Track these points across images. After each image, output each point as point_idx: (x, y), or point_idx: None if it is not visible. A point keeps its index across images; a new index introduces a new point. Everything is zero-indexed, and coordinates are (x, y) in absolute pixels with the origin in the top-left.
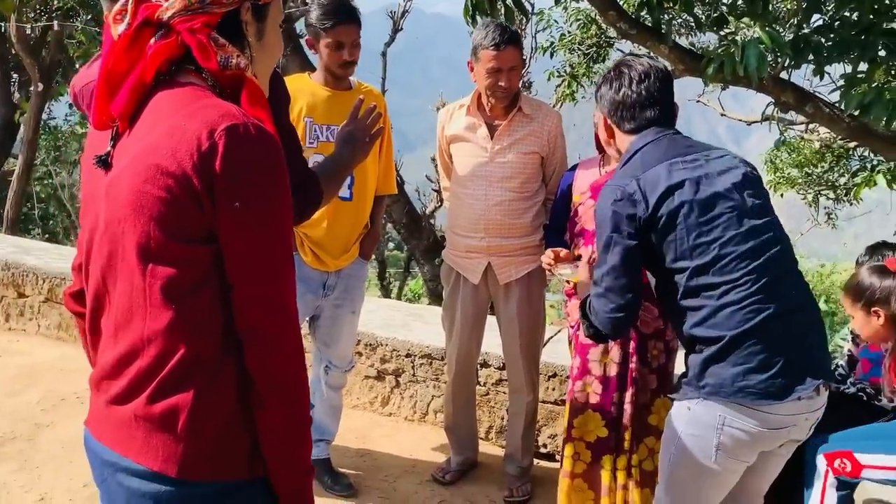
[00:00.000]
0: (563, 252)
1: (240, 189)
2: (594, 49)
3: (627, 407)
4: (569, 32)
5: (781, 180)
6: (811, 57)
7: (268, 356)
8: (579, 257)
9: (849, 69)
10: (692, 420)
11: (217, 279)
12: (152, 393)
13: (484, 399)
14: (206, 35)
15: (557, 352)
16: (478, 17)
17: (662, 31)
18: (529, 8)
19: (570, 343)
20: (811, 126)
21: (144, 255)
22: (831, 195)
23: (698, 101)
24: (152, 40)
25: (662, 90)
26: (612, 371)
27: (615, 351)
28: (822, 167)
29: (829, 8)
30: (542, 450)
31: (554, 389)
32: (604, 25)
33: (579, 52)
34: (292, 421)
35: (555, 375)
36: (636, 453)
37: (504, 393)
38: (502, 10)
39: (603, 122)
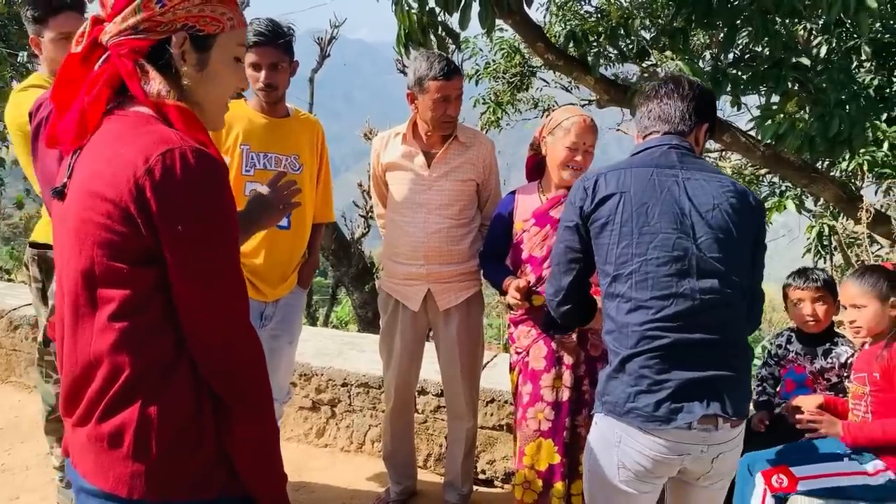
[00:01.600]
0: (522, 283)
1: (180, 212)
2: (518, 77)
3: (581, 430)
4: (493, 61)
5: None
6: (729, 88)
7: (225, 369)
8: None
9: (762, 100)
10: (598, 435)
11: (161, 298)
12: (101, 413)
13: (422, 427)
14: (132, 60)
15: (493, 377)
16: (410, 46)
17: (588, 63)
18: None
19: (512, 370)
20: (724, 153)
21: (88, 280)
22: None
23: (618, 130)
24: (97, 64)
25: (684, 108)
26: (565, 396)
27: (567, 375)
28: None
29: (742, 42)
30: (481, 476)
31: (492, 415)
32: (527, 55)
33: (503, 81)
34: (261, 426)
35: (493, 401)
36: None
37: (442, 420)
38: (434, 40)
39: (635, 137)
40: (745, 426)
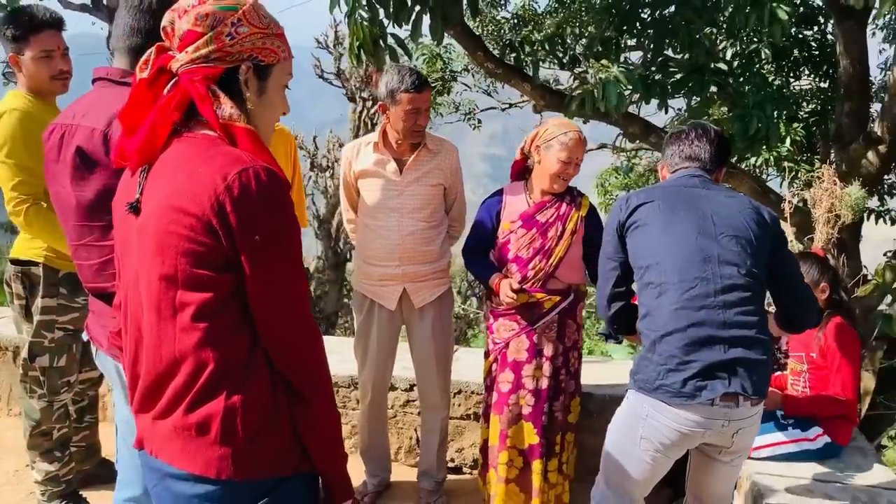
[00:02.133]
0: (515, 284)
1: (256, 224)
2: (440, 83)
3: (558, 414)
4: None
5: (611, 201)
6: (658, 92)
7: (296, 357)
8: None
9: (685, 102)
10: (628, 409)
11: (237, 301)
12: (188, 405)
13: (392, 421)
14: (204, 86)
15: (458, 370)
16: (362, 57)
17: (524, 70)
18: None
19: (487, 356)
20: (638, 151)
21: (171, 285)
22: None
23: None
24: (166, 89)
25: (711, 151)
26: (544, 384)
27: (546, 366)
28: None
29: (668, 50)
30: (450, 464)
31: (459, 405)
32: (447, 60)
33: None
34: (330, 411)
35: (459, 392)
36: (565, 452)
37: (411, 414)
38: (386, 51)
39: (664, 168)
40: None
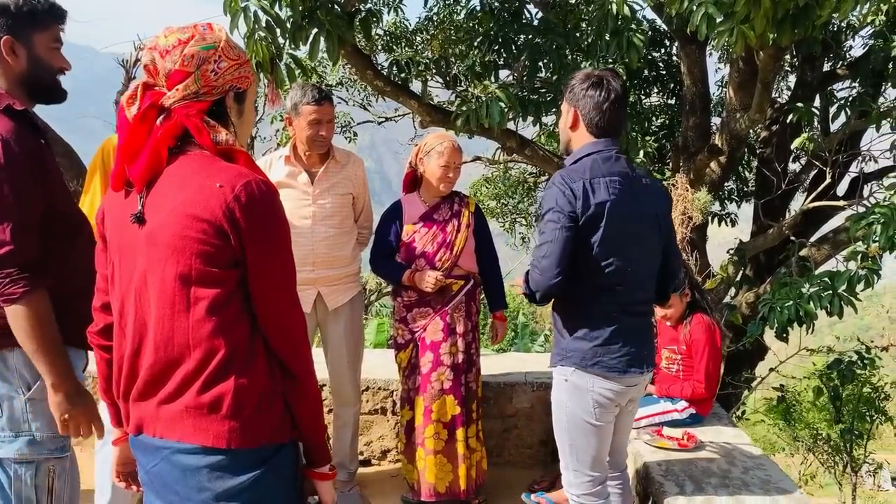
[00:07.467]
0: (439, 275)
1: (261, 226)
2: None
3: (472, 384)
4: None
5: (484, 209)
6: (532, 111)
7: (289, 339)
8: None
9: (555, 119)
10: (570, 387)
11: (241, 294)
12: (201, 386)
13: None
14: (199, 119)
15: (366, 368)
16: (260, 74)
17: (411, 88)
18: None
19: (401, 350)
20: (510, 164)
21: (185, 282)
22: (524, 222)
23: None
24: (158, 120)
25: (623, 114)
26: (460, 359)
27: (460, 342)
28: (516, 199)
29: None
30: (360, 457)
31: (367, 401)
32: (322, 74)
33: None
34: (314, 386)
35: (367, 389)
36: (480, 420)
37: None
38: (284, 69)
39: (573, 113)
40: None
